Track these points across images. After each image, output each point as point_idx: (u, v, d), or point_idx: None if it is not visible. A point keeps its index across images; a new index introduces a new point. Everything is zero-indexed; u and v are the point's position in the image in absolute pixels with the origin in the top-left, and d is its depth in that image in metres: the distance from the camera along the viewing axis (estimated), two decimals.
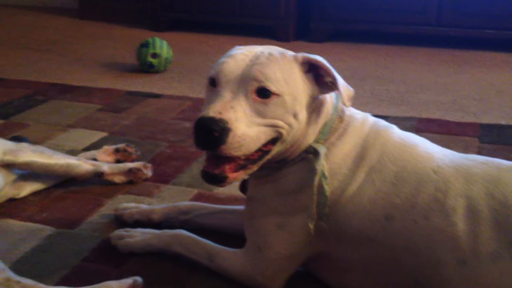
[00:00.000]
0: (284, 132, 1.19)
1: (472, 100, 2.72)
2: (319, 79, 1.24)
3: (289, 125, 1.19)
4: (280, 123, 1.18)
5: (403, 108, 2.61)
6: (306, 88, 1.22)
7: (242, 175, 1.20)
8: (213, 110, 1.13)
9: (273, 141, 1.21)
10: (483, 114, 2.53)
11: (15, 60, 3.47)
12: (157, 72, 3.15)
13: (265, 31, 3.96)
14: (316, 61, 1.22)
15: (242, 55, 1.22)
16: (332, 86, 1.23)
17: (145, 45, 3.09)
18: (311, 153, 1.24)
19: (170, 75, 3.14)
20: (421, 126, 2.36)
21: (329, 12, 3.85)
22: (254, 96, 1.16)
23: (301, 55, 1.24)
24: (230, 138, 1.12)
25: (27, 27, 4.45)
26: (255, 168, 1.22)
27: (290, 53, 1.25)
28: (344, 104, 1.23)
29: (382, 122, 1.32)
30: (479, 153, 2.04)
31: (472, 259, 1.12)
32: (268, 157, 1.22)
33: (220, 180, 1.19)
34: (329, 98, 1.29)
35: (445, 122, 2.41)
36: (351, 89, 1.25)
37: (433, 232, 1.15)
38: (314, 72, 1.24)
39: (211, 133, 1.11)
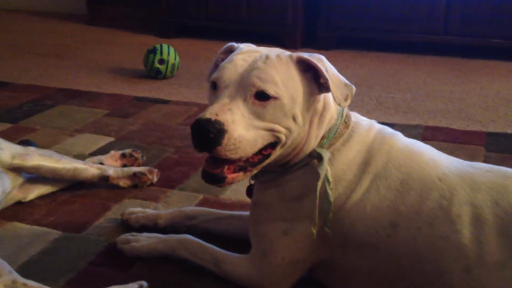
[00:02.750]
0: (282, 136, 1.19)
1: (479, 109, 2.72)
2: (318, 78, 1.22)
3: (288, 129, 1.19)
4: (279, 127, 1.18)
5: (409, 116, 2.61)
6: (305, 88, 1.21)
7: (241, 176, 1.20)
8: (210, 112, 1.14)
9: (272, 146, 1.21)
10: (489, 122, 2.53)
11: (23, 64, 3.49)
12: (164, 78, 3.17)
13: (272, 38, 3.96)
14: (308, 60, 1.21)
15: (242, 60, 1.22)
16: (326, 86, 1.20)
17: (152, 51, 3.11)
18: (315, 158, 1.24)
19: (177, 81, 3.16)
20: (428, 134, 2.36)
21: (336, 20, 3.86)
22: (253, 99, 1.16)
23: (296, 54, 1.23)
24: (226, 140, 1.12)
25: (36, 32, 4.48)
26: (255, 171, 1.22)
27: (286, 53, 1.24)
28: (339, 105, 1.20)
29: (388, 129, 1.32)
30: (486, 161, 2.03)
31: (477, 267, 1.12)
32: (269, 161, 1.23)
33: (218, 180, 1.19)
34: (334, 103, 1.28)
35: (451, 131, 2.41)
36: (353, 86, 1.22)
37: (438, 240, 1.15)
38: (314, 71, 1.22)
39: (207, 134, 1.12)
